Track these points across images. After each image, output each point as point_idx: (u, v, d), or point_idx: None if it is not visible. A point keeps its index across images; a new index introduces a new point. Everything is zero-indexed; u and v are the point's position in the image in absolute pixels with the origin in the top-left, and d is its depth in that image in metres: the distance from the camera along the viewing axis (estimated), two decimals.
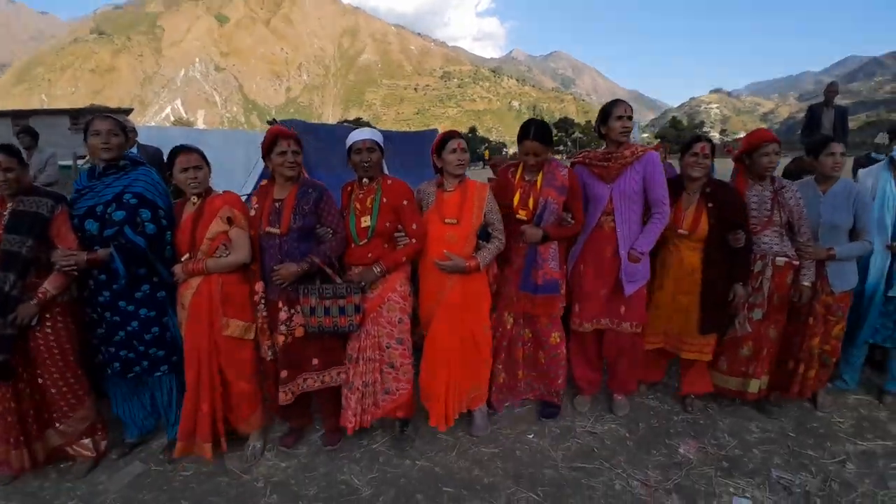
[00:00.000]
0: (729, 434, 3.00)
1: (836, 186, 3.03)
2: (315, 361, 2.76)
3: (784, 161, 4.15)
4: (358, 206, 2.76)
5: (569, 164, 3.16)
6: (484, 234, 2.91)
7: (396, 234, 2.79)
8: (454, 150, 2.79)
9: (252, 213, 2.75)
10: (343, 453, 2.90)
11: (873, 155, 6.34)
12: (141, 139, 5.21)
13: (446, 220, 2.79)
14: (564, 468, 2.73)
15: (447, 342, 2.84)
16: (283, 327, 2.67)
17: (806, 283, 2.96)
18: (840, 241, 3.01)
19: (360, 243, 2.74)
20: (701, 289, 2.97)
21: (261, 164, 5.05)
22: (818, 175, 3.12)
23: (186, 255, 2.62)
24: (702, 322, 2.99)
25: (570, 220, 2.95)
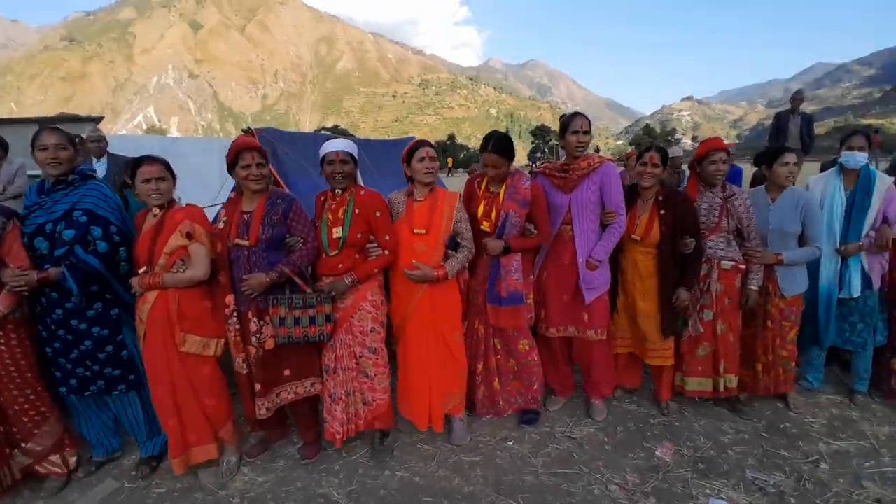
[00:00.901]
0: (704, 436, 3.04)
1: (786, 194, 3.12)
2: (287, 373, 2.73)
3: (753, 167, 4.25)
4: (330, 216, 2.76)
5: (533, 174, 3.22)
6: (452, 243, 2.92)
7: (368, 245, 2.79)
8: (423, 159, 2.79)
9: (220, 225, 2.71)
10: (321, 466, 2.86)
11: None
12: (112, 148, 5.09)
13: (415, 231, 2.80)
14: (544, 474, 2.74)
15: (420, 350, 2.86)
16: (253, 339, 2.64)
17: (753, 287, 3.07)
18: (789, 247, 3.10)
19: (332, 254, 2.73)
20: (657, 293, 3.04)
21: None
22: (769, 183, 3.21)
23: (143, 269, 2.56)
24: (661, 326, 3.07)
25: (532, 231, 2.99)
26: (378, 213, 2.76)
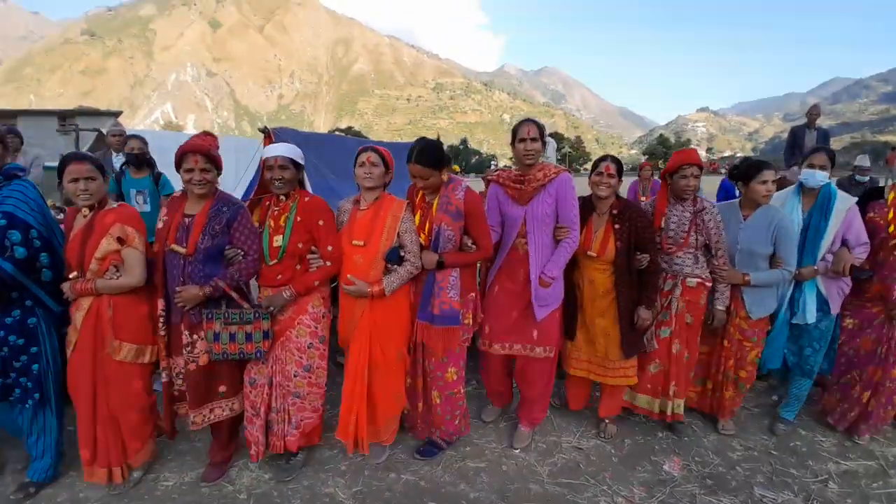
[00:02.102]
0: (713, 452, 3.01)
1: (759, 213, 2.98)
2: (222, 388, 2.63)
3: None
4: (272, 223, 2.63)
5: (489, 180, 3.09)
6: (395, 256, 2.70)
7: (310, 256, 2.67)
8: (362, 164, 2.64)
9: (159, 224, 2.56)
10: (328, 466, 2.87)
11: (857, 177, 6.46)
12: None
13: (353, 242, 2.66)
14: (550, 484, 2.73)
15: (358, 368, 2.72)
16: (185, 352, 2.53)
17: (719, 307, 2.97)
18: (757, 268, 2.96)
19: (271, 263, 2.60)
20: (617, 311, 2.93)
21: (251, 171, 5.05)
22: (744, 199, 3.07)
23: (74, 273, 2.44)
24: (622, 345, 2.93)
25: (471, 245, 2.80)
26: (321, 222, 2.63)
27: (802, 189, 3.12)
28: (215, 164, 2.53)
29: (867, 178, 6.46)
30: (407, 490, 2.68)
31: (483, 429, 3.24)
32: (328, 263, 2.65)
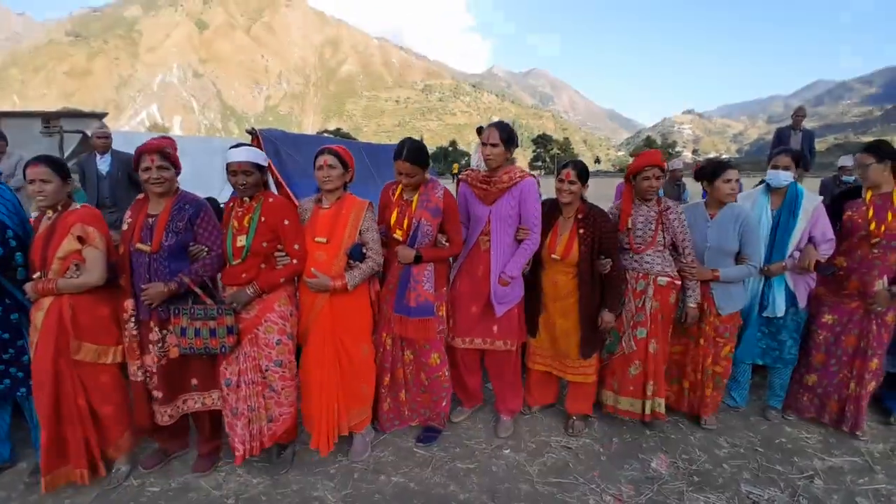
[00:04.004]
0: (699, 449, 3.04)
1: (725, 211, 3.06)
2: (195, 381, 2.69)
3: (752, 181, 4.27)
4: (236, 224, 2.68)
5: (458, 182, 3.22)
6: (358, 253, 2.77)
7: (276, 254, 2.72)
8: (320, 168, 2.70)
9: (125, 227, 2.61)
10: (317, 469, 2.85)
11: (842, 178, 6.56)
12: (115, 145, 5.12)
13: (316, 239, 2.72)
14: (540, 483, 2.74)
15: (319, 361, 2.78)
16: (156, 348, 2.58)
17: (691, 304, 3.03)
18: (725, 264, 3.05)
19: (235, 263, 2.65)
20: (578, 313, 3.00)
21: None
22: (710, 199, 3.15)
23: (38, 274, 2.49)
24: (580, 345, 3.02)
25: (444, 242, 2.92)
26: (286, 222, 2.69)
27: (770, 189, 3.23)
28: (172, 162, 2.58)
29: (852, 178, 6.56)
30: (397, 492, 2.67)
31: (472, 429, 3.25)
32: (294, 261, 2.71)
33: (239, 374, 2.67)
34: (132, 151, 4.56)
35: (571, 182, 2.92)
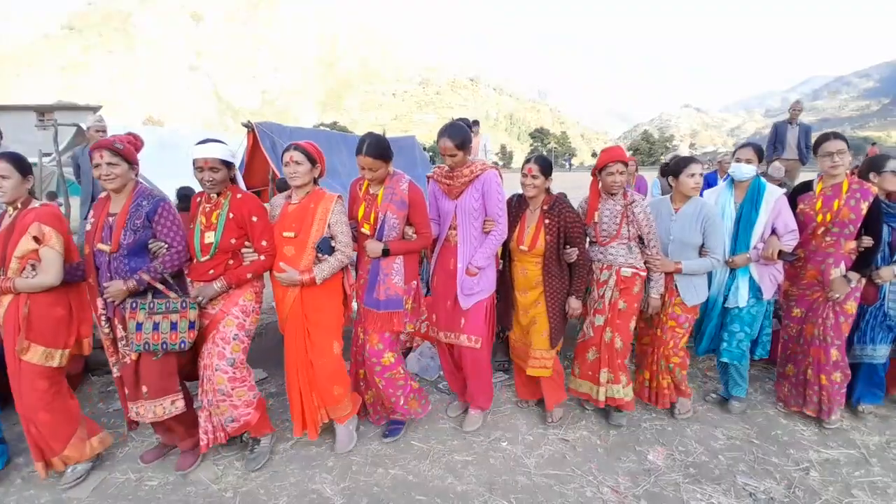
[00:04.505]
0: (696, 441, 3.06)
1: (688, 205, 3.12)
2: (145, 389, 2.59)
3: None
4: (203, 220, 2.68)
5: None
6: (326, 247, 2.78)
7: (244, 250, 2.73)
8: (287, 164, 2.73)
9: (88, 227, 2.63)
10: (315, 462, 2.86)
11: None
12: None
13: (284, 233, 2.75)
14: (537, 475, 2.75)
15: (293, 352, 2.82)
16: (121, 346, 2.57)
17: (654, 295, 3.08)
18: (689, 257, 3.10)
19: (203, 259, 2.65)
20: (545, 301, 3.05)
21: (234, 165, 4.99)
22: (675, 193, 3.19)
23: None
24: (550, 334, 3.05)
25: (412, 234, 2.93)
26: (255, 218, 2.70)
27: (734, 182, 3.29)
28: (124, 158, 2.52)
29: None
30: (395, 485, 2.68)
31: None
32: (262, 257, 2.72)
33: (203, 369, 2.69)
34: None
35: (534, 177, 2.97)
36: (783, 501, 2.54)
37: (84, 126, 5.28)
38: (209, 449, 2.80)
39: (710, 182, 6.73)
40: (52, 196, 5.78)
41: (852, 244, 3.01)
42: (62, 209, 2.64)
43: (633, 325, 3.11)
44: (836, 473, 2.77)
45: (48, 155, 6.08)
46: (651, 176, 7.12)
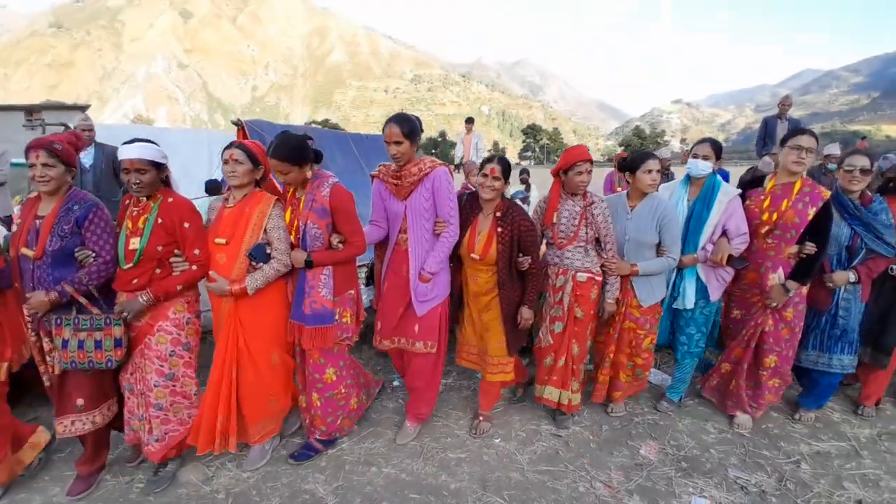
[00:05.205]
0: (687, 435, 3.08)
1: (645, 203, 3.02)
2: (80, 402, 2.45)
3: (740, 171, 4.28)
4: (130, 224, 2.48)
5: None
6: (260, 253, 2.60)
7: (173, 259, 2.54)
8: (226, 161, 2.57)
9: (14, 228, 2.48)
10: (308, 462, 2.85)
11: (828, 166, 6.60)
12: (99, 137, 5.04)
13: (216, 241, 2.58)
14: (530, 471, 2.75)
15: (219, 363, 2.63)
16: (48, 359, 2.44)
17: (609, 300, 3.02)
18: (645, 257, 3.03)
19: (127, 267, 2.45)
20: (500, 310, 2.95)
21: None
22: (632, 190, 3.10)
23: None
24: (507, 343, 2.97)
25: (337, 244, 2.70)
26: (186, 224, 2.50)
27: (690, 179, 3.19)
28: (60, 159, 2.39)
29: (836, 167, 6.59)
30: (388, 483, 2.68)
31: (463, 419, 3.26)
32: (193, 267, 2.54)
33: (132, 382, 2.58)
34: (117, 144, 4.51)
35: (496, 178, 2.82)
36: (774, 494, 2.56)
37: (72, 126, 5.22)
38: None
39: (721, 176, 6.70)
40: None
41: (793, 249, 2.90)
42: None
43: (590, 330, 3.08)
44: (827, 466, 2.79)
45: None
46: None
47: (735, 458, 2.86)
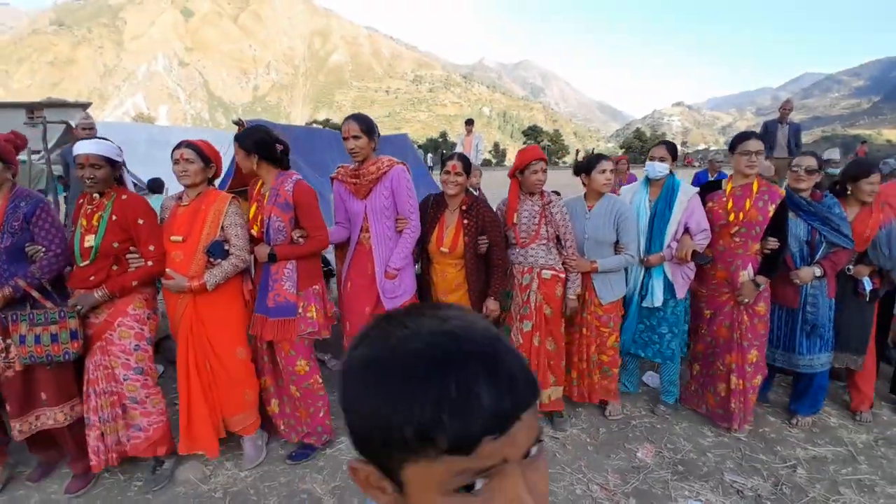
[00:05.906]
0: (684, 438, 3.08)
1: (602, 203, 3.13)
2: (44, 396, 2.49)
3: None
4: (84, 222, 2.50)
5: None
6: (218, 250, 2.64)
7: (129, 256, 2.56)
8: (177, 161, 2.59)
9: None
10: (305, 462, 2.85)
11: (828, 170, 6.61)
12: (100, 135, 5.04)
13: (172, 238, 2.60)
14: None
15: (184, 362, 2.65)
16: (1, 359, 2.42)
17: (571, 296, 3.08)
18: (604, 255, 3.11)
19: (83, 264, 2.46)
20: (470, 304, 2.98)
21: (225, 164, 4.97)
22: (588, 191, 3.19)
23: None
24: None
25: (298, 238, 2.74)
26: (141, 221, 2.53)
27: (649, 181, 3.28)
28: (3, 158, 2.42)
29: (838, 171, 6.60)
30: None
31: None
32: (149, 263, 2.55)
33: (88, 384, 2.53)
34: (119, 143, 4.52)
35: (458, 174, 2.93)
36: (770, 499, 2.57)
37: (73, 123, 5.24)
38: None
39: (700, 179, 6.74)
40: (42, 194, 5.73)
41: (758, 245, 2.99)
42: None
43: (562, 328, 3.13)
44: (823, 471, 2.80)
45: (37, 152, 6.02)
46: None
47: (731, 462, 2.87)
